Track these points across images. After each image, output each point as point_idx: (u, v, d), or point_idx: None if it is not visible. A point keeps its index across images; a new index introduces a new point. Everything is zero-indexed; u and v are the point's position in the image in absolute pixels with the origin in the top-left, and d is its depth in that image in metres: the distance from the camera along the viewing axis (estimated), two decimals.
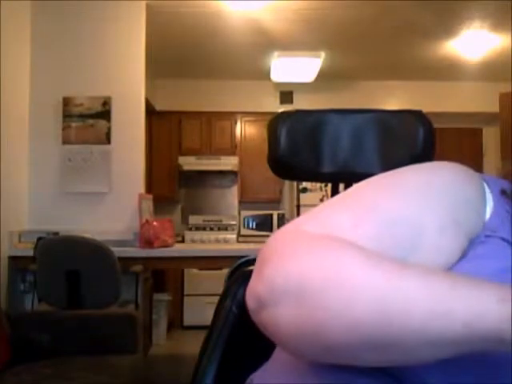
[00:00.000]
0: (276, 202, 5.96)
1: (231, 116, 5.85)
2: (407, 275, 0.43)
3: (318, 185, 5.49)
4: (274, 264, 0.48)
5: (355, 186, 0.59)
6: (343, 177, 0.94)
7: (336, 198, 0.57)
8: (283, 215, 5.83)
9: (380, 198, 0.55)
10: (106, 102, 3.79)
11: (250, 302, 0.49)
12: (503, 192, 0.57)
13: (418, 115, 0.96)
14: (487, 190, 0.57)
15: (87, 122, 3.79)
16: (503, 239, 0.54)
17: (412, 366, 0.46)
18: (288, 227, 0.53)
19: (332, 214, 0.54)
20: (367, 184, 0.58)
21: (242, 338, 0.80)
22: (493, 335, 0.39)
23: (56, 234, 3.42)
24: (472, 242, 0.54)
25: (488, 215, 0.56)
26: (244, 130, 5.88)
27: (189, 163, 5.74)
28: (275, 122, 0.92)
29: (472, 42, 4.59)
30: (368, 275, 0.43)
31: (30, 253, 3.08)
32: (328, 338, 0.44)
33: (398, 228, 0.52)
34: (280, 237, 0.51)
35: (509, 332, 0.38)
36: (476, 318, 0.39)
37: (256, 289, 0.48)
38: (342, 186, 1.00)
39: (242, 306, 0.80)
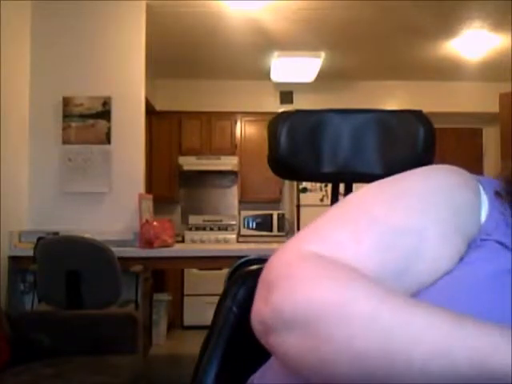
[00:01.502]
0: (276, 202, 5.96)
1: (231, 116, 5.85)
2: (412, 312, 0.43)
3: (318, 185, 5.49)
4: (282, 291, 0.48)
5: (354, 195, 0.59)
6: (343, 177, 0.94)
7: (336, 209, 0.57)
8: (283, 215, 5.83)
9: (379, 209, 0.55)
10: (106, 102, 3.79)
11: (257, 325, 0.50)
12: (497, 193, 0.57)
13: (418, 115, 0.96)
14: (482, 192, 0.57)
15: (87, 121, 3.79)
16: (498, 242, 0.54)
17: None
18: (291, 246, 0.52)
19: (334, 231, 0.54)
20: (366, 194, 0.58)
21: (242, 338, 0.80)
22: (501, 373, 0.38)
23: (56, 233, 3.42)
24: (469, 246, 0.54)
25: (483, 218, 0.56)
26: (244, 130, 5.88)
27: (189, 163, 5.73)
28: (275, 122, 0.92)
29: (472, 42, 4.59)
30: (374, 311, 0.44)
31: (30, 253, 3.08)
32: (331, 371, 0.44)
33: (399, 240, 0.52)
34: (285, 259, 0.51)
35: None
36: (484, 357, 0.39)
37: (263, 313, 0.49)
38: (342, 186, 1.00)
39: (242, 306, 0.80)
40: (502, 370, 0.38)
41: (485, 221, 0.56)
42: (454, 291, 0.51)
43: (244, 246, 4.50)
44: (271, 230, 5.78)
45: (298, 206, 5.60)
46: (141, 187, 3.87)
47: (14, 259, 3.41)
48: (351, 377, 0.44)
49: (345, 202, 0.58)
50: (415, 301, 0.46)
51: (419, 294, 0.52)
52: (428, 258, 0.52)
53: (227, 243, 5.44)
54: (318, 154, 0.90)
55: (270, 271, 0.51)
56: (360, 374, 0.43)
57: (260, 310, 0.49)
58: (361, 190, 0.59)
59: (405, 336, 0.42)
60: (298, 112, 0.94)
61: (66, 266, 2.93)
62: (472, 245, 0.54)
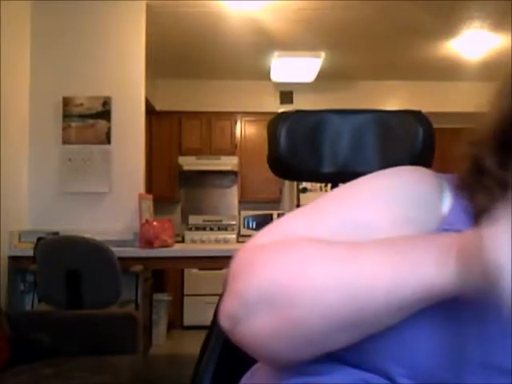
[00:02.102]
0: (276, 202, 5.96)
1: (231, 116, 5.85)
2: (361, 256, 0.49)
3: (318, 185, 5.49)
4: (244, 278, 0.52)
5: (320, 197, 0.64)
6: (343, 177, 0.94)
7: (299, 208, 0.64)
8: (283, 215, 5.82)
9: (335, 203, 0.61)
10: (106, 102, 3.79)
11: (225, 322, 0.53)
12: (458, 187, 0.63)
13: (417, 115, 0.96)
14: (446, 188, 0.63)
15: (87, 121, 3.79)
16: (458, 231, 0.57)
17: (371, 358, 0.51)
18: (247, 245, 0.57)
19: (288, 224, 0.60)
20: (329, 194, 0.64)
21: None
22: (440, 291, 0.45)
23: (56, 234, 3.42)
24: None
25: (446, 211, 0.61)
26: (244, 130, 5.88)
27: (189, 163, 5.73)
28: (275, 123, 0.92)
29: (472, 42, 4.59)
30: (329, 267, 0.49)
31: (30, 253, 3.08)
32: (305, 331, 0.49)
33: (351, 228, 0.58)
34: (242, 254, 0.55)
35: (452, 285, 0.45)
36: (427, 284, 0.46)
37: (229, 307, 0.52)
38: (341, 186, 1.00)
39: None
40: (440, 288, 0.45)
41: (448, 213, 0.61)
42: None
43: None
44: None
45: (298, 206, 5.60)
46: (141, 187, 3.87)
47: (14, 259, 3.41)
48: (324, 329, 0.49)
49: (309, 203, 0.64)
50: (360, 243, 0.52)
51: None
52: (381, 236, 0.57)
53: (227, 243, 5.44)
54: (318, 154, 0.91)
55: (231, 270, 0.54)
56: (332, 324, 0.48)
57: (225, 304, 0.53)
58: (327, 193, 0.65)
59: (362, 277, 0.47)
60: (297, 112, 0.94)
61: (66, 266, 2.93)
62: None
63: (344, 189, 0.65)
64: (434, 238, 0.49)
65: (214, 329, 0.83)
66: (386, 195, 0.61)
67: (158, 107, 5.68)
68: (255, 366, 0.66)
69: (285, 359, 0.54)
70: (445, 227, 0.59)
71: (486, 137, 0.63)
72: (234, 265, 0.55)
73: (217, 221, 5.85)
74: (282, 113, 0.94)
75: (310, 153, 0.90)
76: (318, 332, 0.49)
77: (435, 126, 1.00)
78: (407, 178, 0.63)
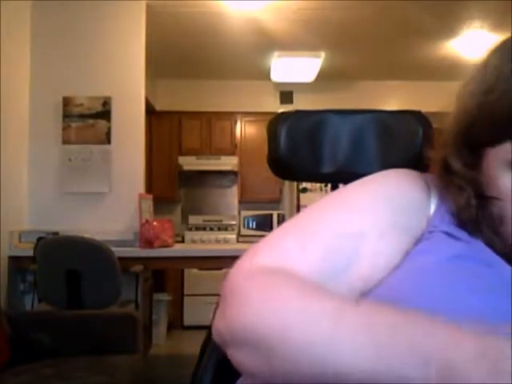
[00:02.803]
0: (276, 202, 5.96)
1: (231, 116, 5.85)
2: (347, 326, 0.47)
3: (318, 185, 5.48)
4: (233, 309, 0.53)
5: (310, 206, 0.66)
6: (343, 177, 0.94)
7: (290, 221, 0.65)
8: (283, 215, 5.83)
9: (324, 217, 0.63)
10: (106, 102, 3.79)
11: (215, 336, 0.56)
12: (439, 188, 0.64)
13: (417, 115, 0.96)
14: (432, 191, 0.65)
15: (87, 121, 3.79)
16: (444, 232, 0.60)
17: None
18: (244, 261, 0.59)
19: (282, 241, 0.62)
20: (318, 203, 0.66)
21: None
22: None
23: (56, 234, 3.42)
24: (420, 239, 0.61)
25: (432, 213, 0.63)
26: (244, 130, 5.88)
27: (189, 163, 5.73)
28: (275, 123, 0.92)
29: (472, 42, 4.59)
30: (312, 327, 0.48)
31: (30, 253, 3.08)
32: (284, 379, 0.49)
33: (341, 242, 0.60)
34: (238, 274, 0.57)
35: None
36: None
37: (219, 328, 0.55)
38: (341, 186, 1.00)
39: None
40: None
41: (433, 215, 0.63)
42: (403, 282, 0.57)
43: (244, 246, 4.50)
44: (271, 230, 5.77)
45: (298, 206, 5.60)
46: (141, 187, 3.87)
47: (13, 259, 3.41)
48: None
49: (300, 213, 0.66)
50: (348, 307, 0.50)
51: (376, 287, 0.59)
52: (367, 255, 0.59)
53: (227, 243, 5.44)
54: (318, 154, 0.90)
55: (226, 285, 0.56)
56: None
57: (217, 323, 0.55)
58: (318, 201, 0.67)
59: (341, 355, 0.45)
60: (297, 112, 0.94)
61: (66, 266, 2.93)
62: (422, 237, 0.61)
63: (332, 199, 0.66)
64: (424, 330, 0.45)
65: None
66: (377, 203, 0.63)
67: (158, 107, 5.68)
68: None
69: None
70: (430, 229, 0.61)
71: (452, 138, 0.64)
72: (228, 286, 0.56)
73: (217, 221, 5.85)
74: (282, 113, 0.94)
75: (309, 153, 0.90)
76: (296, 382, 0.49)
77: (435, 126, 1.00)
78: (394, 183, 0.65)
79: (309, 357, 0.47)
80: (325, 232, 0.61)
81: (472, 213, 0.61)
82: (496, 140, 0.59)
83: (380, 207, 0.63)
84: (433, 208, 0.64)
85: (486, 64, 0.64)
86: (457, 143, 0.64)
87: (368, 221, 0.61)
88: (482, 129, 0.60)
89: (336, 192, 0.68)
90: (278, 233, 0.64)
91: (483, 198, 0.61)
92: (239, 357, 0.53)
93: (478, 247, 0.60)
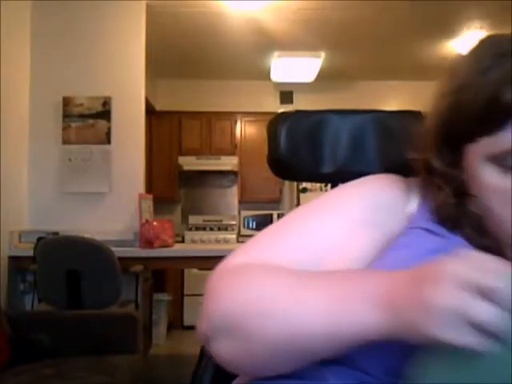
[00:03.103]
0: (276, 202, 5.96)
1: (231, 116, 5.85)
2: (303, 298, 0.54)
3: (318, 185, 5.48)
4: (210, 305, 0.59)
5: (288, 213, 0.74)
6: (343, 177, 0.94)
7: (271, 225, 0.71)
8: (283, 215, 5.81)
9: (299, 219, 0.69)
10: (106, 102, 3.79)
11: (200, 336, 0.60)
12: (424, 188, 0.68)
13: (417, 115, 0.96)
14: (414, 191, 0.68)
15: (87, 121, 3.79)
16: (423, 229, 0.64)
17: (352, 358, 0.56)
18: (221, 265, 0.64)
19: (256, 243, 0.67)
20: (299, 207, 0.73)
21: None
22: (365, 335, 0.50)
23: (56, 234, 3.42)
24: (398, 235, 0.65)
25: (414, 211, 0.67)
26: (244, 130, 5.88)
27: (189, 163, 5.73)
28: (275, 123, 0.92)
29: (472, 42, 4.58)
30: (276, 303, 0.55)
31: (30, 253, 3.08)
32: (259, 358, 0.56)
33: (311, 240, 0.65)
34: (215, 276, 0.62)
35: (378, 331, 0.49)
36: (359, 331, 0.50)
37: (201, 326, 0.59)
38: None
39: None
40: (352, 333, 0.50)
41: (413, 213, 0.67)
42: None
43: None
44: None
45: (298, 206, 5.60)
46: (141, 187, 3.87)
47: (13, 259, 3.41)
48: (273, 360, 0.55)
49: (281, 218, 0.73)
50: (305, 279, 0.57)
51: None
52: (339, 249, 0.64)
53: (227, 243, 5.44)
54: (318, 154, 0.91)
55: (206, 289, 0.61)
56: (279, 356, 0.55)
57: (199, 322, 0.60)
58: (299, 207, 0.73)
59: (303, 318, 0.53)
60: (297, 112, 0.94)
61: (66, 266, 2.93)
62: (401, 233, 0.65)
63: (309, 204, 0.72)
64: (370, 281, 0.53)
65: None
66: (347, 203, 0.68)
67: (158, 107, 5.68)
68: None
69: (251, 375, 0.60)
70: (410, 225, 0.65)
71: (432, 138, 0.67)
72: (209, 285, 0.61)
73: (217, 221, 5.85)
74: (282, 113, 0.95)
75: (309, 153, 0.91)
76: (268, 360, 0.55)
77: None
78: (370, 186, 0.70)
79: (277, 327, 0.53)
80: (297, 233, 0.66)
81: (451, 210, 0.64)
82: (473, 136, 0.61)
83: (352, 207, 0.67)
84: (414, 207, 0.67)
85: (458, 64, 0.67)
86: (437, 143, 0.66)
87: (340, 219, 0.66)
88: (458, 127, 0.63)
89: (316, 198, 0.72)
90: (254, 237, 0.69)
91: (462, 196, 0.64)
92: (220, 347, 0.57)
93: (457, 242, 0.63)
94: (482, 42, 0.67)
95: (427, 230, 0.64)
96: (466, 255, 0.46)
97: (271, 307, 0.55)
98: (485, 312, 0.42)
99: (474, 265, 0.45)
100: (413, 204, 0.68)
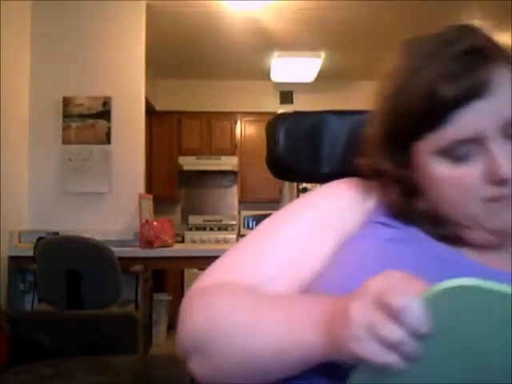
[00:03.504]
0: (276, 202, 5.96)
1: (231, 116, 5.85)
2: (258, 326, 0.57)
3: (318, 185, 5.48)
4: (181, 327, 0.63)
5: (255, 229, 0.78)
6: (342, 177, 0.94)
7: (239, 242, 0.77)
8: None
9: (263, 233, 0.74)
10: (106, 102, 3.80)
11: (179, 353, 0.65)
12: (378, 189, 0.72)
13: None
14: (374, 192, 0.73)
15: (87, 121, 3.79)
16: (378, 222, 0.69)
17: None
18: (194, 286, 0.69)
19: (220, 263, 0.74)
20: (264, 221, 0.77)
21: None
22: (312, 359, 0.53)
23: (56, 234, 3.42)
24: (357, 230, 0.70)
25: (372, 208, 0.72)
26: (244, 130, 5.88)
27: (189, 163, 5.73)
28: (273, 124, 0.92)
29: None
30: (236, 326, 0.59)
31: (30, 253, 3.08)
32: (226, 376, 0.60)
33: (272, 252, 0.70)
34: (187, 298, 0.67)
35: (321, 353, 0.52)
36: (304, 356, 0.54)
37: (177, 345, 0.64)
38: None
39: None
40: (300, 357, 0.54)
41: (371, 210, 0.71)
42: (343, 264, 0.65)
43: None
44: None
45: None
46: (141, 187, 3.87)
47: (13, 259, 3.41)
48: (243, 380, 0.59)
49: (251, 232, 0.78)
50: (260, 301, 0.61)
51: (321, 273, 0.67)
52: (300, 253, 0.69)
53: (227, 243, 5.44)
54: (317, 154, 0.91)
55: (180, 310, 0.66)
56: (246, 375, 0.58)
57: (176, 340, 0.64)
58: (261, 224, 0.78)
59: (255, 339, 0.57)
60: (295, 113, 0.95)
61: (66, 266, 2.93)
62: (359, 228, 0.70)
63: (273, 217, 0.77)
64: (312, 304, 0.56)
65: None
66: (310, 209, 0.74)
67: (158, 107, 5.68)
68: None
69: None
70: (368, 219, 0.70)
71: (379, 141, 0.70)
72: (182, 305, 0.66)
73: (217, 221, 5.85)
74: (281, 114, 0.95)
75: (308, 154, 0.91)
76: (235, 377, 0.59)
77: None
78: (329, 191, 0.76)
79: (234, 348, 0.57)
80: (259, 251, 0.71)
81: (401, 207, 0.68)
82: (419, 135, 0.64)
83: (313, 211, 0.73)
84: (372, 205, 0.72)
85: (394, 67, 0.69)
86: (384, 146, 0.69)
87: (299, 225, 0.72)
88: (404, 128, 0.65)
89: (281, 208, 0.78)
90: (222, 256, 0.75)
91: (412, 194, 0.68)
92: (194, 366, 0.62)
93: (410, 232, 0.67)
94: (410, 44, 0.70)
95: (383, 223, 0.68)
96: (389, 275, 0.48)
97: (229, 329, 0.59)
98: (393, 332, 0.44)
99: (391, 285, 0.46)
100: (371, 202, 0.72)
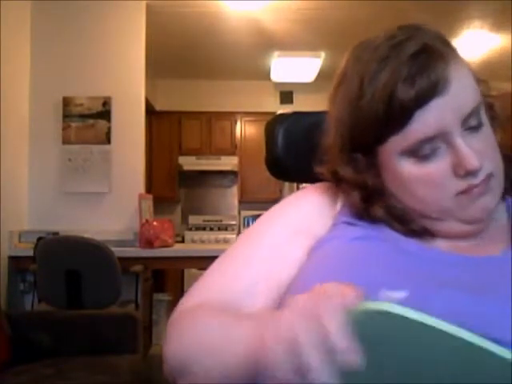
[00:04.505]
0: (276, 202, 5.94)
1: (231, 116, 5.85)
2: (232, 336, 0.57)
3: None
4: (165, 348, 0.65)
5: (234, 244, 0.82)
6: None
7: (218, 260, 0.80)
8: None
9: (237, 250, 0.78)
10: (106, 102, 3.80)
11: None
12: (343, 192, 0.74)
13: None
14: (341, 196, 0.74)
15: (87, 121, 3.79)
16: (345, 222, 0.71)
17: None
18: (178, 307, 0.71)
19: (202, 282, 0.76)
20: (239, 238, 0.81)
21: None
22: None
23: (56, 234, 3.42)
24: (326, 233, 0.71)
25: (339, 210, 0.73)
26: (244, 130, 5.88)
27: (189, 163, 5.73)
28: (273, 124, 0.92)
29: (472, 42, 4.59)
30: (210, 346, 0.59)
31: (30, 253, 3.08)
32: None
33: (249, 265, 0.72)
34: (172, 319, 0.68)
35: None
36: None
37: (164, 369, 0.65)
38: None
39: None
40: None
41: (338, 212, 0.73)
42: (309, 270, 0.67)
43: None
44: None
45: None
46: (141, 187, 3.87)
47: (13, 259, 3.41)
48: None
49: (227, 250, 0.82)
50: (233, 320, 0.61)
51: (293, 281, 0.68)
52: (276, 264, 0.71)
53: (227, 243, 5.44)
54: (315, 155, 0.91)
55: (166, 332, 0.67)
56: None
57: (163, 358, 0.66)
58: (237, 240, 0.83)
59: (228, 359, 0.56)
60: (294, 114, 0.95)
61: (66, 266, 2.93)
62: (328, 230, 0.71)
63: (247, 232, 0.81)
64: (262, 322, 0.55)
65: None
66: (281, 218, 0.78)
67: (158, 107, 5.68)
68: None
69: None
70: (335, 222, 0.72)
71: (338, 149, 0.71)
72: (167, 326, 0.67)
73: (217, 221, 5.85)
74: (280, 114, 0.95)
75: (307, 154, 0.91)
76: None
77: None
78: (299, 197, 0.79)
79: (211, 367, 0.58)
80: (232, 263, 0.75)
81: (363, 210, 0.70)
82: (382, 138, 0.65)
83: (284, 220, 0.77)
84: (339, 207, 0.74)
85: (348, 73, 0.72)
86: (344, 152, 0.70)
87: (273, 234, 0.74)
88: (366, 133, 0.66)
89: (255, 221, 0.83)
90: (204, 275, 0.78)
91: (372, 198, 0.69)
92: None
93: (377, 229, 0.69)
94: (360, 49, 0.74)
95: (349, 223, 0.70)
96: (315, 293, 0.47)
97: (206, 348, 0.60)
98: (311, 356, 0.42)
99: (319, 303, 0.44)
100: (338, 205, 0.74)
